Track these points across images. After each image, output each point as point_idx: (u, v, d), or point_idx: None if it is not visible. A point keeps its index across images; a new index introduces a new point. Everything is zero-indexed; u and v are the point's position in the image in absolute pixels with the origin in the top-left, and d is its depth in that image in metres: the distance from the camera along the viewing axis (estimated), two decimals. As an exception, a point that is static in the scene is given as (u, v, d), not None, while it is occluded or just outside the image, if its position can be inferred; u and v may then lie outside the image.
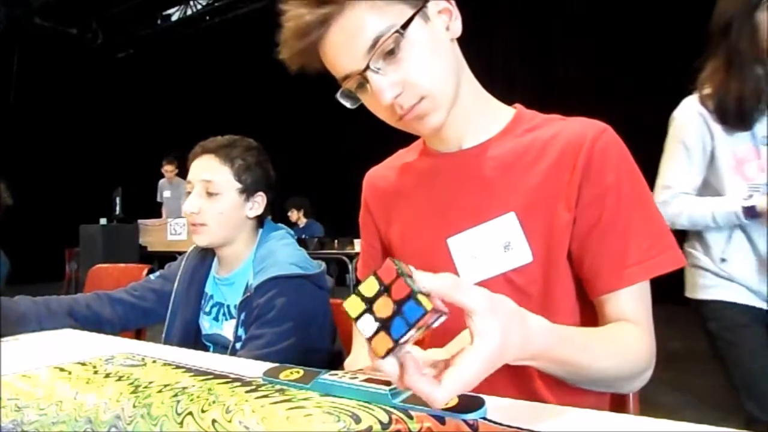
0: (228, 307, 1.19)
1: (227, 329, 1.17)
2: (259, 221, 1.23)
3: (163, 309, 1.24)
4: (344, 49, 0.68)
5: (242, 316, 1.10)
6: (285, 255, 1.14)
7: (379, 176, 0.93)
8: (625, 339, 0.67)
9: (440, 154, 0.83)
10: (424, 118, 0.72)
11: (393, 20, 0.66)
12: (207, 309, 1.23)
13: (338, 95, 0.73)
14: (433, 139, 0.83)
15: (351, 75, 0.69)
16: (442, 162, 0.82)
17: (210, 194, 1.15)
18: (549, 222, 0.72)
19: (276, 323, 1.04)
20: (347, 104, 0.74)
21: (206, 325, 1.22)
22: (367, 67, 0.67)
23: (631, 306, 0.70)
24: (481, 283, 0.75)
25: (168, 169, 6.70)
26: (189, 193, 1.17)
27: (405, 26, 0.66)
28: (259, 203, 1.20)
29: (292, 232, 1.26)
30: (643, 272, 0.69)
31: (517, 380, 0.72)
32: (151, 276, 1.33)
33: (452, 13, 0.73)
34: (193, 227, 1.16)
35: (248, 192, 1.17)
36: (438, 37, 0.71)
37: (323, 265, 1.18)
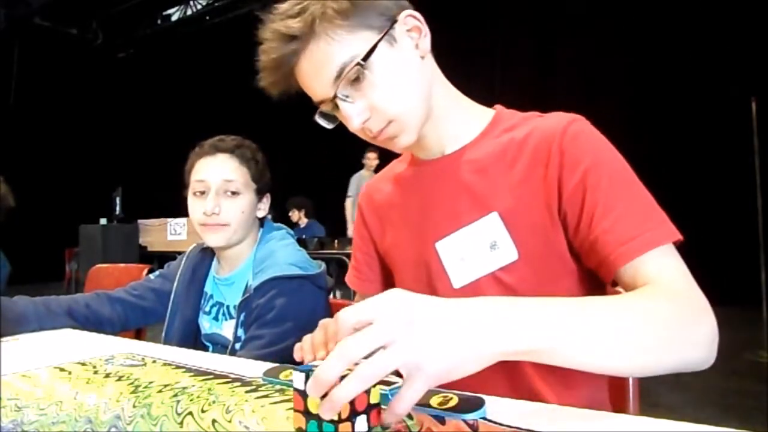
0: (228, 307, 1.19)
1: (227, 329, 1.17)
2: (260, 221, 1.24)
3: (162, 308, 1.24)
4: (313, 78, 0.71)
5: (242, 317, 1.10)
6: (284, 255, 1.14)
7: (374, 189, 0.95)
8: (638, 293, 0.61)
9: (423, 161, 0.85)
10: (393, 140, 0.75)
11: (357, 49, 0.69)
12: (207, 309, 1.22)
13: (316, 117, 0.76)
14: (416, 149, 0.85)
15: (323, 101, 0.72)
16: (424, 169, 0.84)
17: (232, 193, 1.15)
18: (532, 219, 0.73)
19: (276, 324, 1.04)
20: (325, 125, 0.77)
21: (206, 324, 1.21)
22: (335, 96, 0.70)
23: (652, 269, 0.63)
24: (471, 284, 0.76)
25: (371, 157, 5.50)
26: (201, 192, 1.15)
27: (367, 56, 0.68)
28: (265, 204, 1.22)
29: (292, 232, 1.27)
30: (642, 245, 0.64)
31: (514, 378, 0.72)
32: (151, 275, 1.33)
33: (422, 30, 0.74)
34: (210, 227, 1.14)
35: (261, 193, 1.20)
36: (405, 58, 0.73)
37: (323, 265, 1.18)
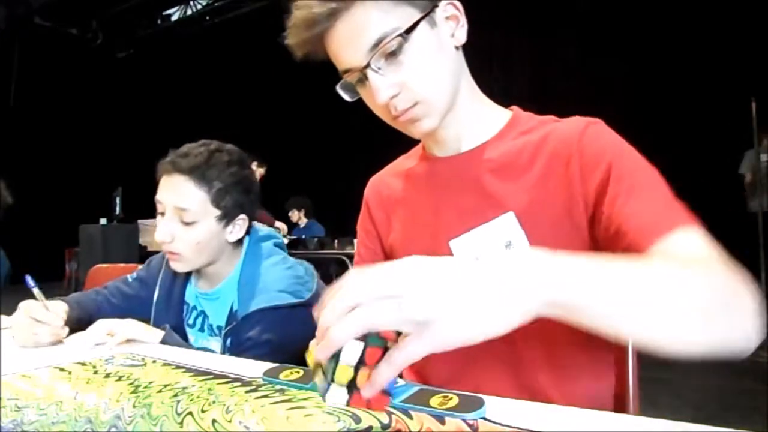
0: (211, 325, 1.13)
1: (215, 346, 1.10)
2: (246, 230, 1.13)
3: (135, 317, 1.09)
4: (348, 44, 0.69)
5: (228, 343, 1.04)
6: (273, 280, 1.05)
7: (381, 183, 0.94)
8: (674, 259, 0.57)
9: (438, 158, 0.84)
10: (416, 122, 0.74)
11: (399, 22, 0.68)
12: (190, 321, 1.16)
13: (338, 87, 0.74)
14: (431, 143, 0.85)
15: (352, 69, 0.71)
16: (439, 166, 0.84)
17: (186, 223, 1.03)
18: (549, 219, 0.73)
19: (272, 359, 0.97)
20: (346, 97, 0.75)
21: (191, 338, 1.14)
22: (368, 65, 0.68)
23: (684, 244, 0.60)
24: None
25: None
26: (161, 213, 1.05)
27: (409, 30, 0.68)
28: (240, 226, 1.09)
29: (281, 241, 1.19)
30: (672, 223, 0.62)
31: (517, 375, 0.72)
32: (129, 277, 1.24)
33: (459, 20, 0.75)
34: (170, 255, 1.06)
35: (228, 217, 1.06)
36: (442, 44, 0.72)
37: (314, 288, 1.09)
